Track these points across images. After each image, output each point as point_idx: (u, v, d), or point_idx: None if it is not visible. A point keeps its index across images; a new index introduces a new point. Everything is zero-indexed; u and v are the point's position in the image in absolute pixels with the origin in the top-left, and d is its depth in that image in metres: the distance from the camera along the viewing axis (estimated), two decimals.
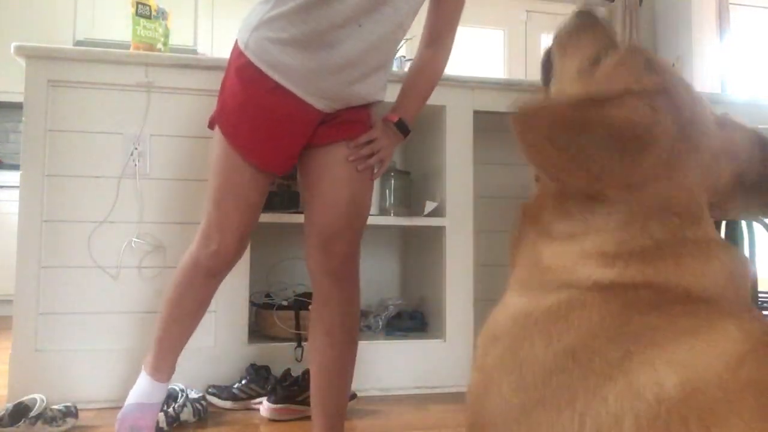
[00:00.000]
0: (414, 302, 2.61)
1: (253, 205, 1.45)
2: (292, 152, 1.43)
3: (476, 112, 2.38)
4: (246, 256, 2.01)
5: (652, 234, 0.70)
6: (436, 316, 2.44)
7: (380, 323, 2.50)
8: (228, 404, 2.00)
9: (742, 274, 0.71)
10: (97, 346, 2.05)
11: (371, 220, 1.52)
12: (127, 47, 2.32)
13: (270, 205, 2.01)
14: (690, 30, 5.01)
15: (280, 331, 2.25)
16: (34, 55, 2.06)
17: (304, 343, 2.18)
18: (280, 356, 2.17)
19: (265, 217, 1.82)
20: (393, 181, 2.41)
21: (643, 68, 0.79)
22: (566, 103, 0.74)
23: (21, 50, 2.04)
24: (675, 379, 0.57)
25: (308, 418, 1.76)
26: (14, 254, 2.01)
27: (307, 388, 1.89)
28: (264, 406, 1.93)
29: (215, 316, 2.11)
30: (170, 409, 1.77)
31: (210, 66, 2.18)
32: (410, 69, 1.56)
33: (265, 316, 2.32)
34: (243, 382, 2.02)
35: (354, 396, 1.96)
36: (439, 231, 2.37)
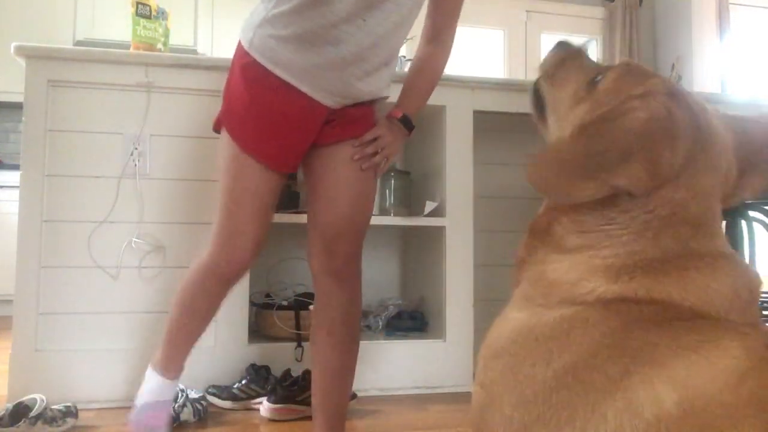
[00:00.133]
0: (414, 302, 2.61)
1: (266, 206, 1.42)
2: (300, 150, 1.42)
3: (476, 112, 2.38)
4: None
5: (661, 245, 0.70)
6: (436, 316, 2.44)
7: (380, 323, 2.50)
8: (228, 404, 2.00)
9: (751, 289, 0.70)
10: (97, 346, 2.05)
11: (371, 220, 1.52)
12: (127, 47, 2.32)
13: None
14: (690, 30, 5.01)
15: (280, 331, 2.25)
16: (34, 55, 2.05)
17: (304, 343, 2.18)
18: (280, 356, 2.17)
19: None
20: (393, 181, 2.41)
21: (642, 76, 0.80)
22: (579, 137, 0.74)
23: (21, 50, 2.04)
24: (675, 397, 0.57)
25: (308, 418, 1.76)
26: (14, 254, 2.01)
27: (307, 388, 1.89)
28: (264, 406, 1.93)
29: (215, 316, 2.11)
30: (170, 409, 1.77)
31: (210, 66, 2.18)
32: (412, 66, 1.56)
33: (265, 316, 2.32)
34: (243, 382, 2.02)
35: (354, 396, 1.96)
36: (439, 231, 2.37)
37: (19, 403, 1.73)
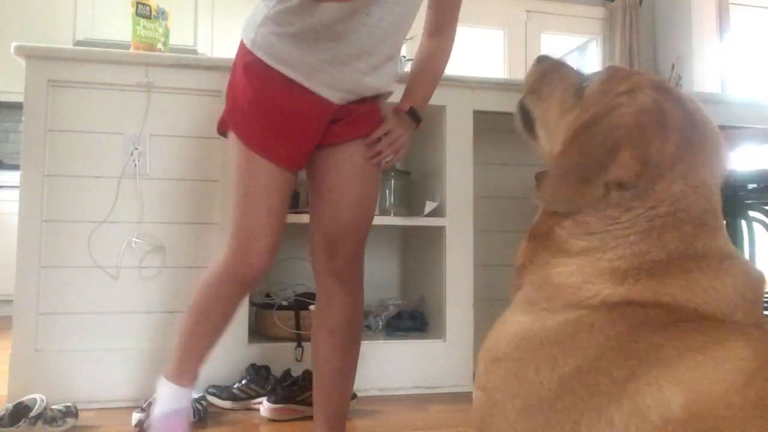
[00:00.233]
0: (414, 302, 2.61)
1: (279, 205, 1.41)
2: (307, 147, 1.41)
3: (476, 112, 2.38)
4: None
5: (666, 246, 0.70)
6: (436, 316, 2.44)
7: (380, 323, 2.50)
8: (228, 404, 2.00)
9: (755, 290, 0.70)
10: (97, 346, 2.05)
11: None
12: (127, 47, 2.32)
13: None
14: (690, 30, 5.01)
15: (280, 331, 2.25)
16: (34, 55, 2.05)
17: (304, 343, 2.18)
18: (280, 356, 2.17)
19: None
20: (393, 181, 2.41)
21: (627, 75, 0.81)
22: (571, 143, 0.75)
23: (21, 50, 2.04)
24: (681, 399, 0.57)
25: (308, 418, 1.76)
26: (14, 254, 2.01)
27: (307, 388, 1.89)
28: (264, 406, 1.93)
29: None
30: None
31: (210, 66, 2.17)
32: (416, 60, 1.56)
33: (265, 316, 2.32)
34: (243, 382, 2.02)
35: (354, 396, 1.96)
36: (439, 231, 2.36)
37: (19, 403, 1.73)
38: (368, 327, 2.49)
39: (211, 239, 2.14)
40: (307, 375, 1.97)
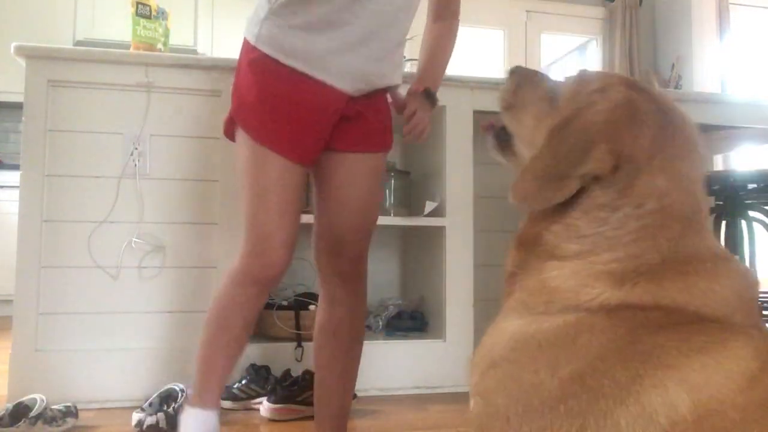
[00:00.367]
0: (414, 302, 2.61)
1: (294, 201, 1.36)
2: (319, 140, 1.37)
3: (476, 112, 2.38)
4: None
5: (659, 247, 0.69)
6: (436, 316, 2.44)
7: (380, 323, 2.50)
8: (228, 404, 2.00)
9: (750, 290, 0.70)
10: (97, 346, 2.05)
11: None
12: (127, 47, 2.32)
13: None
14: (690, 30, 5.01)
15: (280, 331, 2.25)
16: (34, 55, 2.05)
17: (304, 343, 2.18)
18: (280, 356, 2.17)
19: None
20: (393, 181, 2.41)
21: (598, 75, 0.82)
22: (546, 145, 0.75)
23: (21, 50, 2.04)
24: (688, 401, 0.57)
25: (308, 418, 1.76)
26: (14, 254, 2.01)
27: (307, 388, 1.89)
28: (264, 406, 1.93)
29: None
30: (170, 409, 1.77)
31: (210, 66, 2.17)
32: (425, 43, 1.56)
33: (265, 316, 2.32)
34: (243, 382, 2.02)
35: (354, 396, 1.96)
36: (439, 231, 2.36)
37: (19, 403, 1.73)
38: (368, 327, 2.49)
39: (212, 239, 2.14)
40: (307, 375, 1.97)
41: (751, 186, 2.18)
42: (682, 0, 5.11)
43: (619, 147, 0.71)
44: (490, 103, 2.39)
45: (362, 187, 1.43)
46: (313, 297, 2.33)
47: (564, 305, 0.69)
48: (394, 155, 2.46)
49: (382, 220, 2.34)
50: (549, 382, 0.64)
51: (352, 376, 1.53)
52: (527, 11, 5.36)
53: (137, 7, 2.30)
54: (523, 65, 0.98)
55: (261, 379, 2.02)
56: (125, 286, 2.09)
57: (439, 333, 2.37)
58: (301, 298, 2.33)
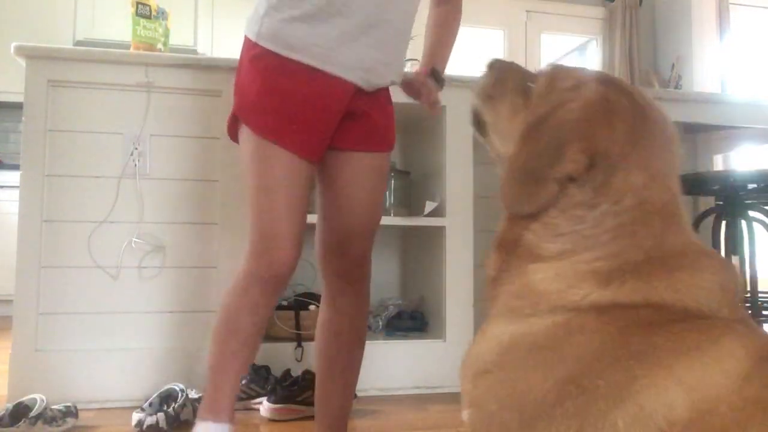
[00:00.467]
0: (414, 302, 2.61)
1: (300, 199, 1.33)
2: (326, 134, 1.35)
3: None
4: None
5: (640, 244, 0.69)
6: (436, 316, 2.44)
7: (380, 323, 2.50)
8: None
9: (732, 283, 0.71)
10: (97, 346, 2.05)
11: None
12: (127, 47, 2.32)
13: None
14: (690, 30, 5.01)
15: (280, 331, 2.25)
16: (34, 55, 2.05)
17: (304, 343, 2.18)
18: (280, 356, 2.17)
19: None
20: (393, 181, 2.41)
21: (571, 71, 0.81)
22: (521, 142, 0.75)
23: (21, 50, 2.04)
24: (685, 401, 0.57)
25: (308, 418, 1.77)
26: (14, 254, 2.01)
27: (307, 388, 1.89)
28: (264, 406, 1.93)
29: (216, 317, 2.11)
30: (170, 409, 1.77)
31: (210, 66, 2.18)
32: (429, 26, 1.58)
33: None
34: (243, 381, 2.02)
35: (354, 396, 1.96)
36: (439, 231, 2.37)
37: (19, 403, 1.73)
38: (368, 327, 2.48)
39: (212, 239, 2.15)
40: (308, 375, 1.97)
41: (751, 186, 2.18)
42: (682, 0, 5.11)
43: (593, 145, 0.70)
44: None
45: (367, 187, 1.42)
46: (313, 297, 2.33)
47: (552, 306, 0.69)
48: (394, 155, 2.45)
49: (382, 220, 2.34)
50: (544, 385, 0.63)
51: (353, 377, 1.52)
52: (527, 11, 5.36)
53: (137, 7, 2.30)
54: (503, 59, 0.97)
55: (261, 379, 2.02)
56: (125, 286, 2.09)
57: (439, 333, 2.37)
58: (301, 298, 2.33)
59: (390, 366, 2.27)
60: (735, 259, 2.28)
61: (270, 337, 2.28)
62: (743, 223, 2.23)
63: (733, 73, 5.04)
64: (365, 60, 1.34)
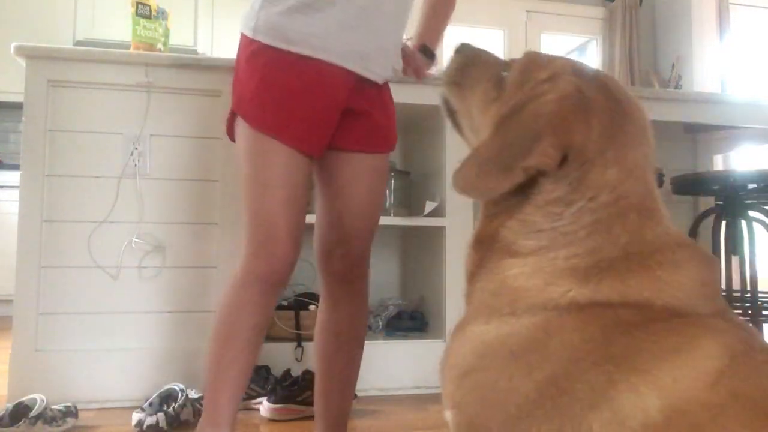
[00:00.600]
0: (414, 302, 2.61)
1: (299, 195, 1.30)
2: (327, 128, 1.33)
3: None
4: None
5: (617, 240, 0.68)
6: (436, 316, 2.44)
7: (380, 323, 2.50)
8: None
9: (712, 275, 0.70)
10: (97, 346, 2.05)
11: None
12: (127, 47, 2.32)
13: None
14: (690, 30, 5.01)
15: (280, 331, 2.25)
16: (34, 55, 2.06)
17: (304, 343, 2.18)
18: (280, 356, 2.17)
19: None
20: (393, 181, 2.41)
21: (546, 60, 0.80)
22: (491, 136, 0.74)
23: (21, 50, 2.04)
24: (658, 404, 0.57)
25: (308, 418, 1.76)
26: (14, 254, 2.01)
27: (307, 388, 1.89)
28: (264, 406, 1.93)
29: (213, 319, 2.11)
30: (170, 409, 1.77)
31: (210, 66, 2.18)
32: (423, 8, 1.59)
33: None
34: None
35: (354, 396, 1.96)
36: (439, 231, 2.37)
37: (19, 403, 1.73)
38: (368, 327, 2.48)
39: (212, 239, 2.15)
40: (307, 375, 1.97)
41: (751, 186, 2.18)
42: (682, 0, 5.11)
43: (567, 140, 0.69)
44: None
45: (367, 188, 1.42)
46: (313, 297, 2.33)
47: (530, 305, 0.68)
48: (394, 155, 2.45)
49: (382, 220, 2.33)
50: (525, 386, 0.63)
51: (352, 377, 1.52)
52: (527, 11, 5.36)
53: (137, 7, 2.30)
54: (471, 44, 0.95)
55: (261, 379, 2.02)
56: (125, 286, 2.09)
57: (439, 333, 2.37)
58: (301, 298, 2.33)
59: (390, 366, 2.27)
60: (735, 259, 2.28)
61: (270, 337, 2.27)
62: (743, 223, 2.23)
63: (733, 73, 5.04)
64: (364, 48, 1.33)
